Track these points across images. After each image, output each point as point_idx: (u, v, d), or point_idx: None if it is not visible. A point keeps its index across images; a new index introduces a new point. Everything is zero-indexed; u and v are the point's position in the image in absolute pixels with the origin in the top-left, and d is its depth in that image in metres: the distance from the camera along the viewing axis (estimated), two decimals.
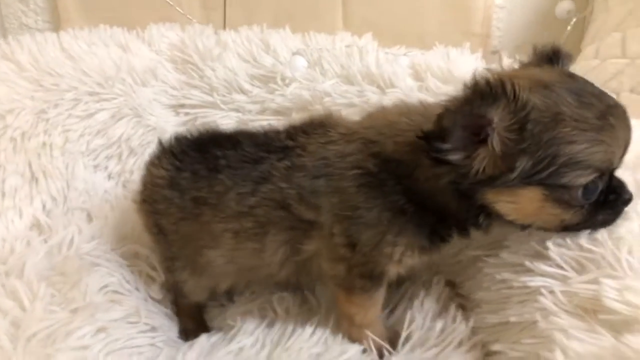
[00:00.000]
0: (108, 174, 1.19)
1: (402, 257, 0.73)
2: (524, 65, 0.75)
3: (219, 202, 0.80)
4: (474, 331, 0.79)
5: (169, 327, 0.94)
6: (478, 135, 0.62)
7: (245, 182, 0.78)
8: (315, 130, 0.80)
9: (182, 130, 1.24)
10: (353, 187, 0.73)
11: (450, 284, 0.91)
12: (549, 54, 0.72)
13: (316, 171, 0.75)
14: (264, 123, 1.22)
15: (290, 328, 0.87)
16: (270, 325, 0.89)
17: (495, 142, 0.62)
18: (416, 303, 0.85)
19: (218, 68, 1.24)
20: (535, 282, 0.71)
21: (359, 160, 0.73)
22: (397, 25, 1.46)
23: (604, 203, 0.67)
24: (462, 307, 0.86)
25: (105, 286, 0.91)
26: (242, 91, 1.24)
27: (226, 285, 0.92)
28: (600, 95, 0.65)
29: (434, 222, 0.72)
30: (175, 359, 0.82)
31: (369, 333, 0.81)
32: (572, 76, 0.67)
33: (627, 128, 0.66)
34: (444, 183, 0.67)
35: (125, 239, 1.04)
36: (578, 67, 1.27)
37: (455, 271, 0.91)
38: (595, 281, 0.65)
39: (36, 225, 1.02)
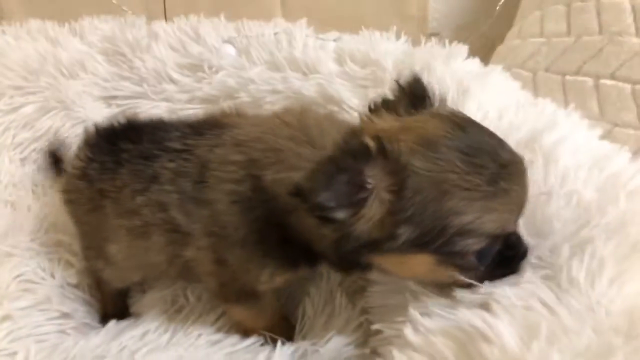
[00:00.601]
0: (37, 167, 1.20)
1: (271, 278, 0.72)
2: (395, 105, 0.67)
3: (117, 197, 0.80)
4: (363, 311, 0.81)
5: (85, 314, 0.96)
6: (361, 196, 0.57)
7: (139, 179, 0.77)
8: (210, 130, 0.77)
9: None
10: (224, 202, 0.69)
11: None
12: (413, 89, 0.68)
13: (198, 177, 0.72)
14: (192, 112, 1.23)
15: (195, 315, 0.90)
16: (179, 311, 0.92)
17: (374, 204, 0.57)
18: (308, 296, 0.87)
19: (147, 59, 1.25)
20: None
21: (237, 175, 0.69)
22: (334, 9, 1.47)
23: (501, 261, 0.62)
24: (362, 289, 0.88)
25: (19, 275, 0.93)
26: (172, 81, 1.24)
27: (137, 278, 0.93)
28: (494, 150, 0.59)
29: (305, 255, 0.69)
30: (78, 344, 0.84)
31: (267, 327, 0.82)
32: (463, 126, 0.60)
33: (523, 188, 0.61)
34: (327, 243, 0.62)
35: (49, 228, 1.05)
36: (503, 48, 1.28)
37: None
38: None
39: None
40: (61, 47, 1.23)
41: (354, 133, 0.61)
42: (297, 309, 0.87)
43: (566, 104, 0.96)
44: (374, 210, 0.57)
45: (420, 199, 0.56)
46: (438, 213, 0.56)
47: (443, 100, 0.69)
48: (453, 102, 0.93)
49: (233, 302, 0.80)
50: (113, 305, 1.00)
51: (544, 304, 0.57)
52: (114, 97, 1.27)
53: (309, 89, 1.11)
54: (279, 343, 0.77)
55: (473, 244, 0.58)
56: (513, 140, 0.83)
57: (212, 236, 0.71)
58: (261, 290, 0.75)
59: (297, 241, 0.66)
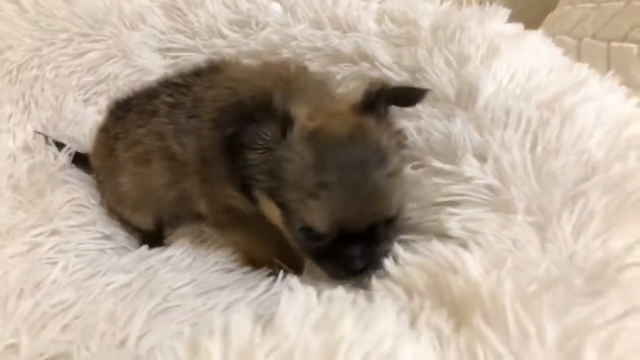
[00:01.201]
0: (98, 109, 1.32)
1: (236, 194, 0.79)
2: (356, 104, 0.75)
3: (125, 135, 0.93)
4: None
5: (124, 239, 1.06)
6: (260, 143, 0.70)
7: (142, 115, 0.90)
8: (207, 73, 0.88)
9: (167, 72, 1.36)
10: (207, 130, 0.80)
11: None
12: (371, 98, 0.73)
13: (192, 111, 0.83)
14: (245, 63, 1.29)
15: (216, 245, 0.97)
16: (203, 242, 1.00)
17: (264, 150, 0.69)
18: None
19: (201, 14, 1.32)
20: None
21: (216, 109, 0.80)
22: None
23: (330, 259, 0.70)
24: None
25: (71, 200, 1.04)
26: (222, 36, 1.31)
27: (149, 217, 1.04)
28: (348, 171, 0.65)
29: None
30: (112, 260, 0.94)
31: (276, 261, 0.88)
32: (355, 143, 0.68)
33: (351, 210, 0.66)
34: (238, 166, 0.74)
35: None
36: (554, 14, 1.23)
37: None
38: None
39: (27, 148, 1.17)
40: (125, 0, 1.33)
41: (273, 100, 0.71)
42: None
43: (608, 71, 0.93)
44: (259, 156, 0.70)
45: (277, 164, 0.68)
46: (278, 179, 0.68)
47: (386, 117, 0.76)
48: (482, 60, 0.93)
49: (225, 226, 0.89)
50: (148, 237, 1.10)
51: (520, 246, 0.58)
52: (169, 49, 1.36)
53: (346, 46, 1.14)
54: (280, 273, 0.82)
55: (295, 220, 0.69)
56: (536, 100, 0.83)
57: (199, 159, 0.82)
58: (236, 207, 0.82)
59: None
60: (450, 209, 0.70)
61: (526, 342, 0.45)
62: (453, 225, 0.66)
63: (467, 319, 0.49)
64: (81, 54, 1.28)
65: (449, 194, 0.72)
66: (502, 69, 0.90)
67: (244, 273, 0.88)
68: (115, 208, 1.05)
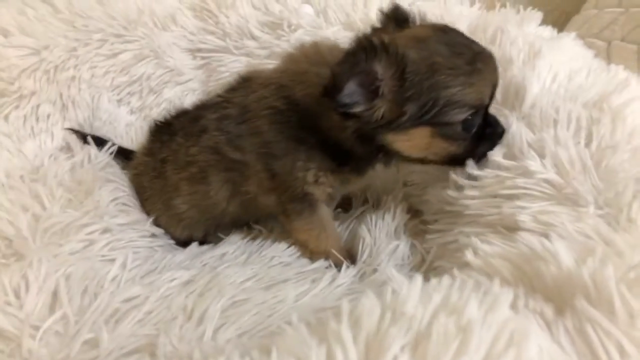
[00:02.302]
0: (130, 109, 1.33)
1: (316, 178, 0.85)
2: (384, 29, 0.83)
3: (175, 158, 0.96)
4: (426, 250, 0.88)
5: (169, 237, 1.07)
6: (372, 87, 0.72)
7: (189, 137, 0.93)
8: (241, 85, 0.93)
9: (198, 72, 1.38)
10: (266, 125, 0.84)
11: (419, 212, 0.99)
12: (396, 15, 0.82)
13: (239, 118, 0.87)
14: (271, 67, 1.32)
15: (269, 242, 0.99)
16: (254, 239, 1.02)
17: (385, 91, 0.72)
18: (374, 226, 0.96)
19: (231, 15, 1.34)
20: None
21: (271, 101, 0.84)
22: None
23: (482, 136, 0.79)
24: (425, 231, 0.94)
25: (116, 198, 1.05)
26: (253, 37, 1.33)
27: (200, 234, 1.05)
28: (469, 44, 0.76)
29: (336, 154, 0.83)
30: (166, 258, 0.95)
31: (332, 250, 0.91)
32: (444, 29, 0.78)
33: (494, 70, 0.78)
34: (349, 132, 0.78)
35: None
36: (579, 18, 1.28)
37: (422, 202, 0.99)
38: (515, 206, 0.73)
39: (65, 147, 1.18)
40: (156, 1, 1.34)
41: (360, 38, 0.74)
42: (358, 242, 0.95)
43: (639, 71, 0.98)
44: (385, 97, 0.73)
45: (418, 79, 0.72)
46: (431, 87, 0.72)
47: (423, 19, 0.84)
48: (524, 62, 0.96)
49: (293, 214, 0.91)
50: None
51: (601, 236, 0.61)
52: (199, 50, 1.37)
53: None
54: (344, 265, 0.85)
55: (458, 113, 0.74)
56: (581, 100, 0.87)
57: (263, 156, 0.86)
58: (310, 192, 0.86)
59: (327, 141, 0.81)
60: (517, 202, 0.73)
61: (633, 321, 0.48)
62: (525, 218, 0.70)
63: (569, 303, 0.52)
64: (115, 55, 1.28)
65: (514, 187, 0.75)
66: (544, 71, 0.94)
67: (302, 266, 0.90)
68: (169, 228, 1.06)
